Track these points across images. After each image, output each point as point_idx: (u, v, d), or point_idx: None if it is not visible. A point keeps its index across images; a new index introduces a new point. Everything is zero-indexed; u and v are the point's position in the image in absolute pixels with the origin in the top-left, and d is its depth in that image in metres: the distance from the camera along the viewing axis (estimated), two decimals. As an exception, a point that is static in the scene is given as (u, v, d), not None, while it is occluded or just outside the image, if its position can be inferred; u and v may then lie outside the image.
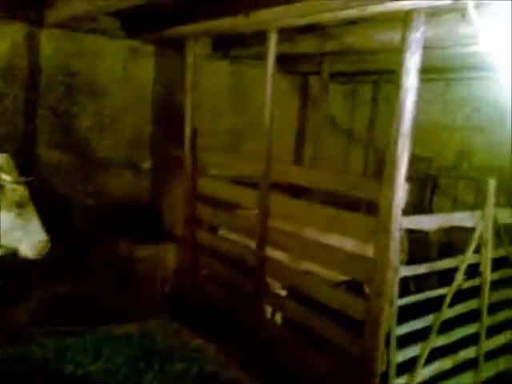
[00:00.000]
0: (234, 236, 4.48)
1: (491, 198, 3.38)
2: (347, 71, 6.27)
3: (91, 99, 5.19)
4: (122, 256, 4.85)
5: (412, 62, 2.76)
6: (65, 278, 4.64)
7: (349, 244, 3.45)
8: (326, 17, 3.26)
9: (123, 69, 5.37)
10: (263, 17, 3.51)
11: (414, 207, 5.38)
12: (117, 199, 5.43)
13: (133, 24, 5.05)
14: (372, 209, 5.53)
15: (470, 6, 2.67)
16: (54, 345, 3.93)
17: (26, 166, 4.75)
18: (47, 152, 4.98)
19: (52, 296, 4.49)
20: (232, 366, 3.90)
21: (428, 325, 3.25)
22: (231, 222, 4.55)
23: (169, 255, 5.02)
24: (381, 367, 2.96)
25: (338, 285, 3.91)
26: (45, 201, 4.81)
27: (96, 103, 5.23)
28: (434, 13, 3.05)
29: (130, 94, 5.45)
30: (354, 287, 3.58)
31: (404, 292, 3.10)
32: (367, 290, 3.16)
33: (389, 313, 2.95)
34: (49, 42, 4.85)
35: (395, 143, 2.81)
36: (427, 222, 3.12)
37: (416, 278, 3.33)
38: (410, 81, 2.78)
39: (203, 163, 4.88)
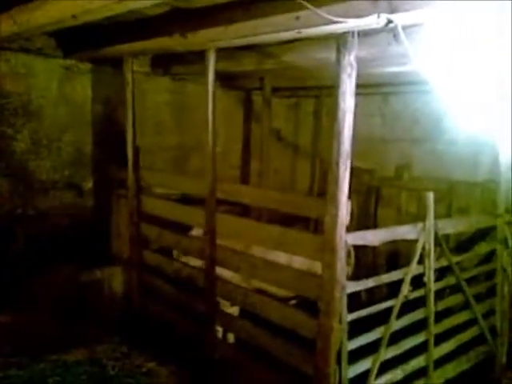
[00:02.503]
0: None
1: (431, 210, 3.49)
2: (289, 86, 6.36)
3: (27, 120, 5.02)
4: (67, 281, 4.68)
5: (348, 84, 2.81)
6: (6, 307, 4.42)
7: (297, 262, 3.46)
8: (263, 38, 3.28)
9: (59, 88, 5.22)
10: (201, 37, 3.50)
11: (359, 218, 5.52)
12: (59, 222, 5.26)
13: (68, 42, 4.92)
14: (320, 223, 5.64)
15: (399, 27, 2.75)
16: (-5, 378, 3.76)
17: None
18: (-16, 177, 4.77)
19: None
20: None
21: (378, 337, 3.30)
22: (179, 241, 4.47)
23: (116, 278, 4.90)
24: (333, 384, 2.98)
25: (288, 299, 3.93)
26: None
27: (32, 124, 5.05)
28: (366, 33, 3.13)
29: (68, 113, 5.30)
30: (305, 301, 3.58)
31: (355, 302, 3.14)
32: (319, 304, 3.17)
33: (339, 329, 2.98)
34: (-22, 63, 4.65)
35: (337, 163, 2.85)
36: (371, 238, 3.18)
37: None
38: (347, 102, 2.82)
39: (147, 182, 4.80)
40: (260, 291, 3.81)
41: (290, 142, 7.36)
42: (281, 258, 3.54)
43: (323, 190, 6.44)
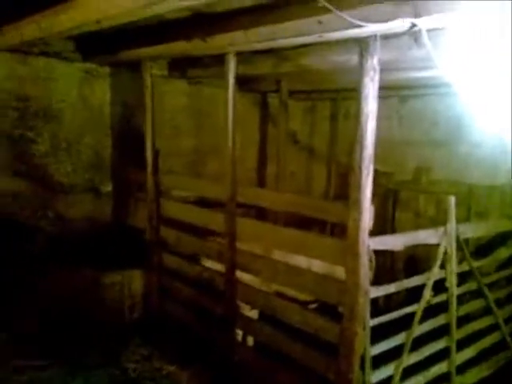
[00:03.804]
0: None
1: (452, 215, 3.46)
2: (305, 89, 6.34)
3: (46, 123, 5.07)
4: (87, 284, 4.71)
5: (370, 88, 2.80)
6: (27, 309, 4.46)
7: (318, 266, 3.45)
8: (283, 42, 3.28)
9: (78, 91, 5.26)
10: (220, 42, 3.51)
11: (377, 222, 5.47)
12: (78, 224, 5.30)
13: (87, 46, 4.95)
14: (338, 226, 5.61)
15: (424, 31, 2.74)
16: (18, 381, 3.79)
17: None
18: (4, 179, 4.82)
19: (16, 329, 4.32)
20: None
21: (400, 343, 3.28)
22: (198, 245, 4.48)
23: (135, 281, 4.92)
24: (356, 390, 2.97)
25: (308, 303, 3.92)
26: (4, 229, 4.71)
27: (52, 127, 5.10)
28: (387, 36, 3.11)
29: (87, 116, 5.35)
30: (326, 305, 3.57)
31: (372, 307, 3.12)
32: (341, 308, 3.16)
33: (362, 335, 2.96)
34: (0, 67, 4.69)
35: (360, 167, 2.84)
36: (393, 242, 3.16)
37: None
38: (370, 106, 2.81)
39: (166, 185, 4.82)
40: (280, 295, 3.81)
41: (305, 145, 7.34)
42: (302, 262, 3.52)
43: (339, 193, 6.50)
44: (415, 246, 3.36)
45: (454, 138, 5.53)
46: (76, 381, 3.87)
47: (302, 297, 3.75)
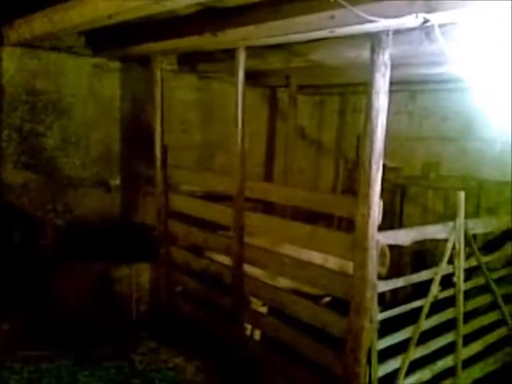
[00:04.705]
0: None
1: (461, 210, 3.46)
2: (314, 84, 6.33)
3: (56, 117, 5.10)
4: (96, 277, 4.75)
5: (382, 83, 2.81)
6: (35, 302, 4.51)
7: (331, 262, 3.46)
8: (294, 37, 3.29)
9: (88, 86, 5.29)
10: (231, 36, 3.51)
11: (385, 217, 5.48)
12: (87, 218, 5.34)
13: (98, 41, 4.98)
14: (345, 221, 5.61)
15: (436, 26, 2.74)
16: (27, 371, 3.84)
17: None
18: (14, 172, 4.86)
19: (23, 320, 4.36)
20: (212, 385, 3.88)
21: (407, 337, 3.29)
22: (206, 239, 4.51)
23: (143, 274, 4.95)
24: (363, 383, 2.99)
25: (319, 298, 3.93)
26: (13, 222, 4.75)
27: (61, 121, 5.13)
28: (397, 31, 3.11)
29: (97, 111, 5.37)
30: (337, 300, 3.57)
31: (380, 301, 3.14)
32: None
33: (369, 328, 2.98)
34: (11, 61, 4.74)
35: (369, 162, 2.85)
36: (402, 237, 3.17)
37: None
38: (381, 100, 2.82)
39: (174, 180, 4.84)
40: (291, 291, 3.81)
41: (313, 140, 7.34)
42: (316, 258, 3.51)
43: (347, 188, 6.49)
44: (423, 241, 3.37)
45: (464, 134, 5.52)
46: (83, 372, 3.91)
47: (315, 291, 3.76)
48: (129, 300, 4.84)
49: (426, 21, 2.52)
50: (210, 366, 4.13)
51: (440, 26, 2.73)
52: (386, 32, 2.76)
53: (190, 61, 5.59)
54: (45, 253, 4.97)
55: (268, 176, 6.95)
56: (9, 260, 4.63)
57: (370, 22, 2.54)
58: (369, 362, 3.04)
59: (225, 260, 4.24)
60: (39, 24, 3.80)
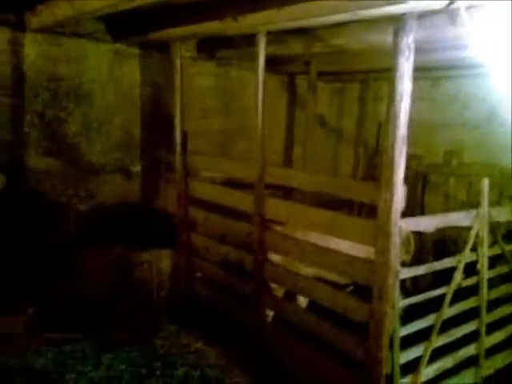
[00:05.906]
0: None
1: (485, 197, 3.41)
2: (334, 71, 6.27)
3: (78, 104, 5.13)
4: (117, 262, 4.81)
5: (406, 67, 2.76)
6: (58, 286, 4.57)
7: (348, 247, 3.43)
8: (317, 21, 3.25)
9: (109, 72, 5.31)
10: (252, 21, 3.48)
11: (407, 204, 5.42)
12: (109, 204, 5.39)
13: (118, 27, 4.98)
14: (366, 207, 5.57)
15: (463, 7, 2.67)
16: (52, 353, 3.92)
17: (15, 173, 4.71)
18: (36, 158, 4.92)
19: (47, 304, 4.44)
20: (235, 370, 3.91)
21: (429, 324, 3.27)
22: (225, 225, 4.52)
23: (163, 260, 4.99)
24: (386, 369, 2.98)
25: (346, 286, 3.92)
26: (36, 207, 4.82)
27: (83, 107, 5.17)
28: (421, 15, 3.05)
29: (117, 97, 5.40)
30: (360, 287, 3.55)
31: (401, 288, 3.11)
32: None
33: (392, 315, 2.97)
34: (32, 47, 4.77)
35: (392, 147, 2.81)
36: (425, 224, 3.14)
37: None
38: (405, 85, 2.78)
39: (194, 166, 4.85)
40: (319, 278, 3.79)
41: (333, 128, 7.29)
42: (341, 246, 3.45)
43: (366, 176, 6.43)
44: (444, 229, 3.33)
45: (487, 121, 5.42)
46: (106, 355, 3.97)
47: (339, 279, 3.74)
48: (150, 285, 4.89)
49: (451, 2, 2.47)
50: (231, 350, 4.16)
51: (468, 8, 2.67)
52: (411, 15, 2.71)
53: (208, 47, 5.57)
54: (67, 237, 5.04)
55: (287, 163, 6.92)
56: (32, 245, 4.71)
57: (395, 3, 2.49)
58: (391, 348, 3.02)
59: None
60: (61, 9, 3.81)
